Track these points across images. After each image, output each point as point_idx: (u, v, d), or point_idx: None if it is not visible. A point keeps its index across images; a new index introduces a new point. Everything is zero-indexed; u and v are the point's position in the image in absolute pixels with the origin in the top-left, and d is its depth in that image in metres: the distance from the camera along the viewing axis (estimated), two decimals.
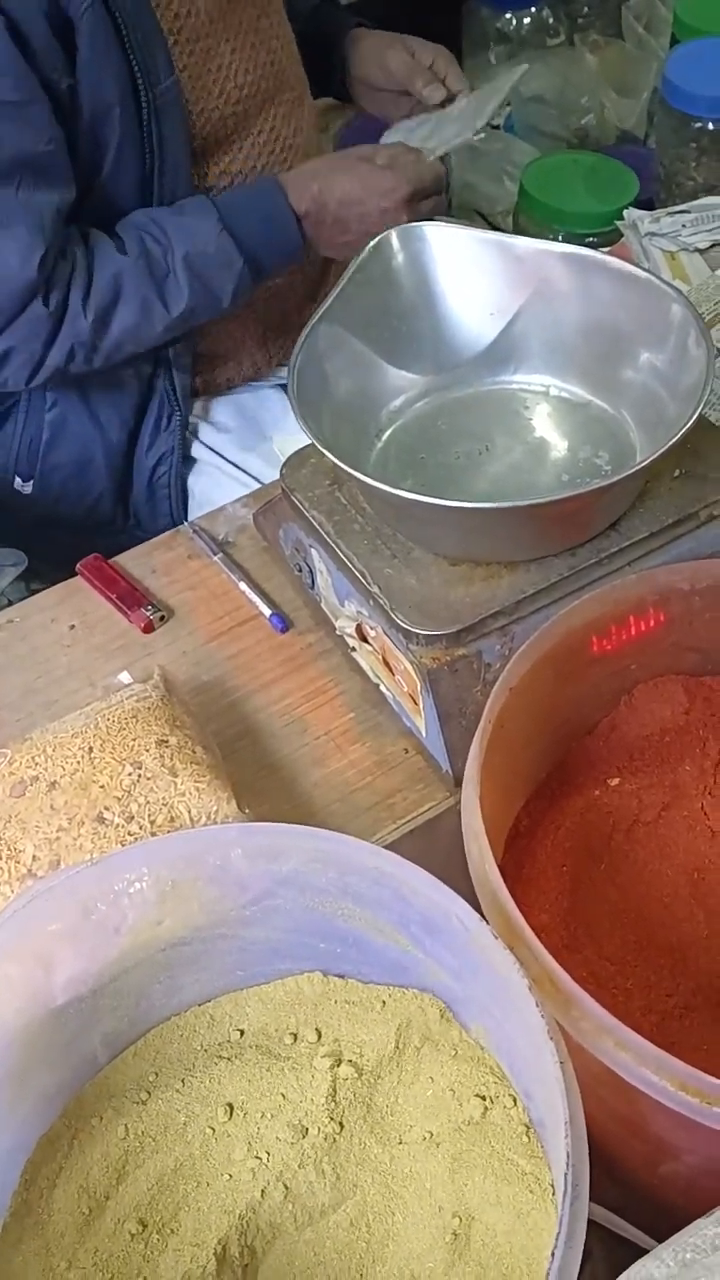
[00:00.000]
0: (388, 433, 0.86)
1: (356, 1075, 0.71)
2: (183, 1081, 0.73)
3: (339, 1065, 0.72)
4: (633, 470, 0.72)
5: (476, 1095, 0.69)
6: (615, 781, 0.82)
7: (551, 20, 2.03)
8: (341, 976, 0.75)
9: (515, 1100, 0.68)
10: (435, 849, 0.73)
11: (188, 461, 1.32)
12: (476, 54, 2.09)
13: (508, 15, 2.02)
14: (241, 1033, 0.76)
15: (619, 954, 0.75)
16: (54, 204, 1.09)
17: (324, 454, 0.77)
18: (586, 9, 2.05)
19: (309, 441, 0.80)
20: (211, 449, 1.32)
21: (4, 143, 1.04)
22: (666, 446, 0.72)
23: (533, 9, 2.01)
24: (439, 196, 1.22)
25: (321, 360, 0.81)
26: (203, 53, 1.17)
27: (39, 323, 1.11)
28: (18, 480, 1.29)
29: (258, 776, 0.87)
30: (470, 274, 0.86)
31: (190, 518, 1.14)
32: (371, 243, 0.85)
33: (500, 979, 0.63)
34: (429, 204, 1.20)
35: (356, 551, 0.81)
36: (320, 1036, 0.74)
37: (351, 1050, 0.73)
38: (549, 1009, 0.60)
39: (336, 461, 0.73)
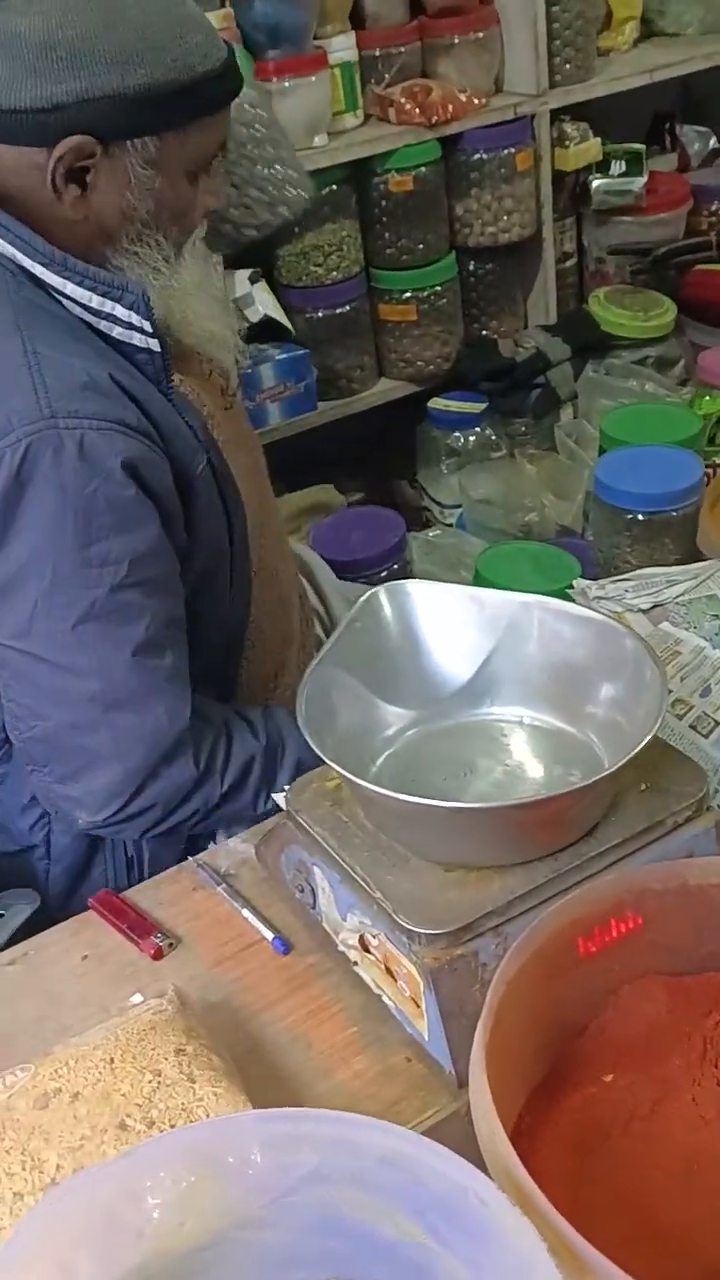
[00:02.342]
0: (381, 759, 0.96)
1: None
2: None
3: None
4: (601, 776, 0.82)
5: None
6: (609, 1078, 0.86)
7: (494, 437, 2.32)
8: None
9: None
10: None
11: None
12: (430, 466, 2.38)
13: (456, 434, 2.31)
14: None
15: (621, 1246, 0.76)
16: (186, 658, 1.17)
17: (324, 778, 0.86)
18: (523, 429, 2.35)
19: None
20: None
21: (160, 614, 1.12)
22: (628, 757, 0.83)
23: (476, 429, 2.31)
24: None
25: (324, 695, 0.92)
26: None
27: (185, 783, 1.15)
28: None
29: (265, 1090, 0.90)
30: (448, 622, 0.99)
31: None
32: (363, 598, 0.99)
33: (520, 1258, 0.66)
34: None
35: (359, 861, 0.89)
36: None
37: None
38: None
39: (343, 772, 0.83)
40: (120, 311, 1.10)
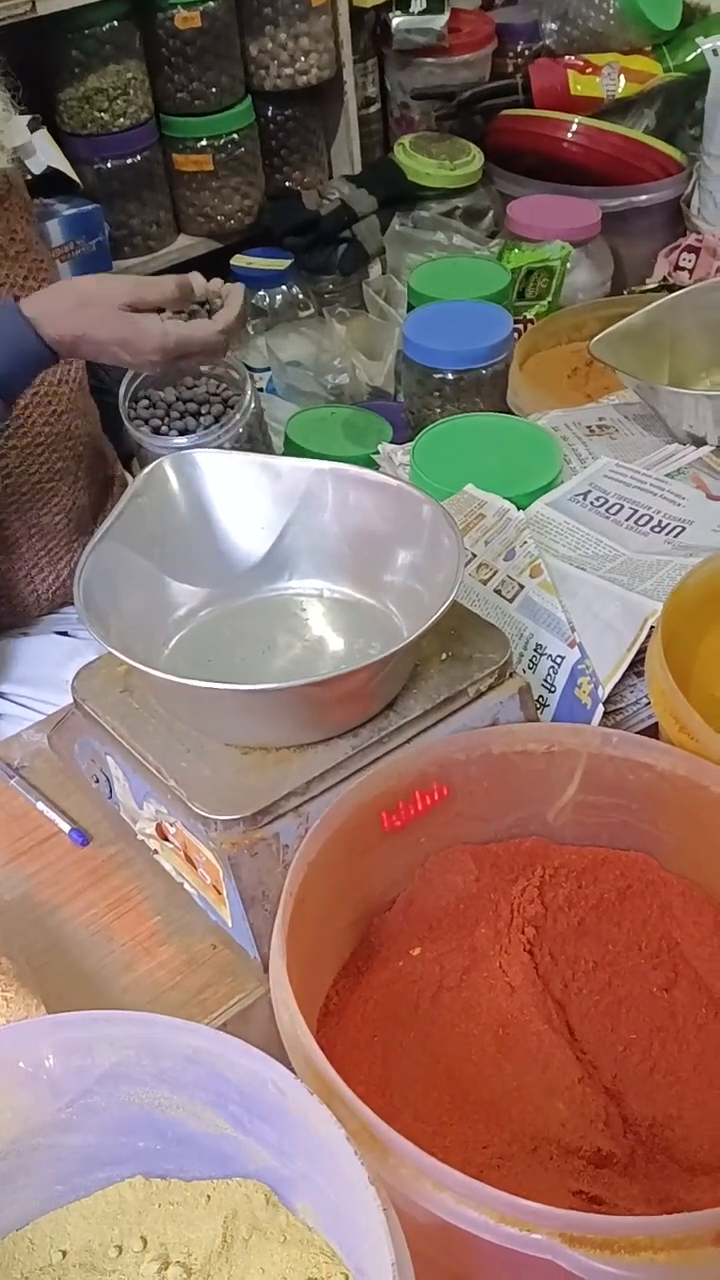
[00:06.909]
0: (174, 640, 0.91)
1: (186, 1276, 0.70)
2: None
3: (166, 1269, 0.70)
4: (399, 647, 0.79)
5: (309, 1278, 0.69)
6: (417, 951, 0.85)
7: (301, 296, 2.24)
8: (164, 1177, 0.74)
9: (348, 1278, 0.68)
10: (250, 1039, 0.74)
11: None
12: None
13: (261, 293, 2.22)
14: (64, 1254, 0.73)
15: (434, 1114, 0.76)
16: None
17: (112, 664, 0.81)
18: (331, 286, 2.27)
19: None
20: (14, 701, 1.35)
21: None
22: (424, 627, 0.80)
23: (283, 287, 2.22)
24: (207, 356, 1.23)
25: (106, 576, 0.86)
26: None
27: None
28: None
29: (67, 987, 0.87)
30: (240, 493, 0.94)
31: None
32: (146, 470, 0.92)
33: (321, 1143, 0.64)
34: (192, 362, 1.24)
35: (151, 749, 0.84)
36: (146, 1244, 0.73)
37: (179, 1251, 0.71)
38: (369, 1162, 0.61)
39: (128, 660, 0.78)
40: None
